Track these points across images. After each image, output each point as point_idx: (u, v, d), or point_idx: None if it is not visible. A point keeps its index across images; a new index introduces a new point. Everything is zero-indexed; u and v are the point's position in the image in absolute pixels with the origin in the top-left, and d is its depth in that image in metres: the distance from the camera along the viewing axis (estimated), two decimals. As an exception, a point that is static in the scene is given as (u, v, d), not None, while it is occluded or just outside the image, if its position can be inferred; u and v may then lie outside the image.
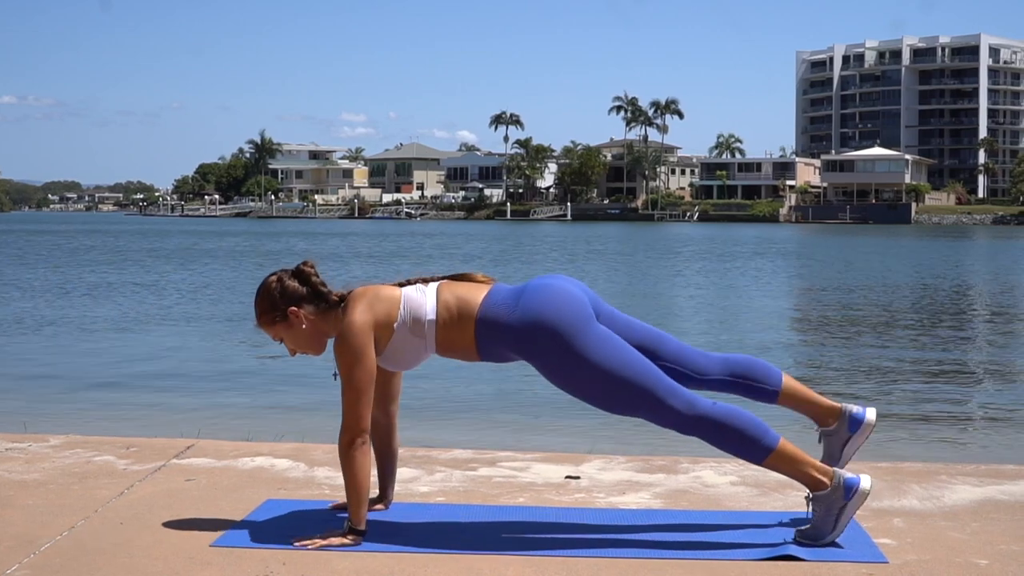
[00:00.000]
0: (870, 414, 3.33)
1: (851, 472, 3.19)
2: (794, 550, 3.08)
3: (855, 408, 3.34)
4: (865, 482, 3.14)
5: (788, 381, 3.34)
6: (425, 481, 3.92)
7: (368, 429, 3.16)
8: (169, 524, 3.31)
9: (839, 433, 3.33)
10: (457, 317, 3.17)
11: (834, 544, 3.12)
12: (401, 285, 3.26)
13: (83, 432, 5.29)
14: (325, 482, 3.91)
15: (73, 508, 3.48)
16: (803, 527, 3.18)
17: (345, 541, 3.10)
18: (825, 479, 3.14)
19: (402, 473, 3.98)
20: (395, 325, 3.18)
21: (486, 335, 3.16)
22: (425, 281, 3.27)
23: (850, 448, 3.33)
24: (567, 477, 4.00)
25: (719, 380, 3.31)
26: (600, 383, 3.12)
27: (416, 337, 3.19)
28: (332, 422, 7.55)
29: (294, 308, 3.25)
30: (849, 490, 3.12)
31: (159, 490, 3.74)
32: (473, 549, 3.09)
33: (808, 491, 3.18)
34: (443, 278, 3.29)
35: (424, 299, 3.20)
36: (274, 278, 3.30)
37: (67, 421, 7.06)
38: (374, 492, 3.55)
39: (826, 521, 3.13)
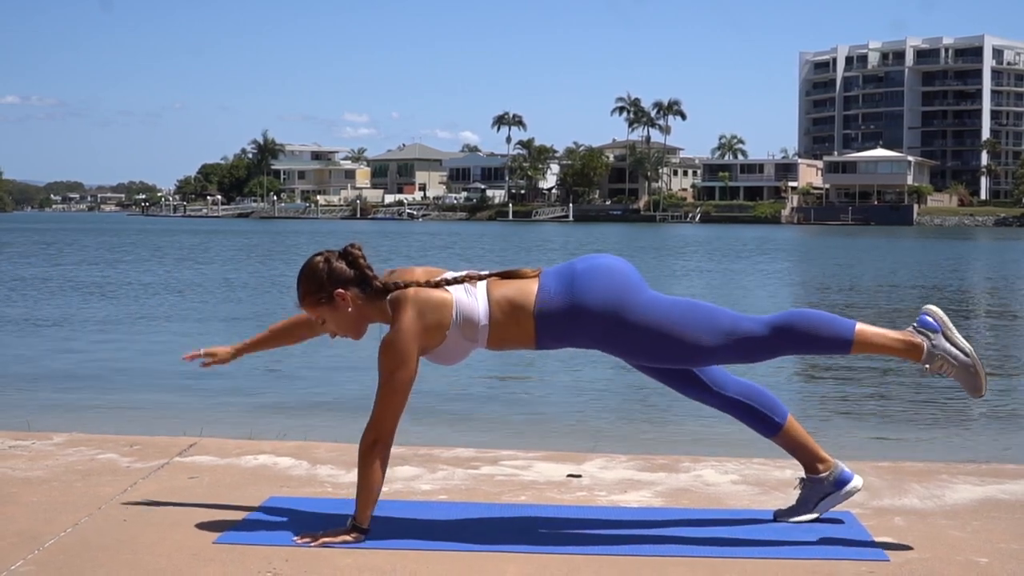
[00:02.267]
0: (855, 483, 3.40)
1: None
2: (794, 548, 3.10)
3: (839, 467, 3.41)
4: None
5: (792, 422, 3.41)
6: (427, 479, 3.93)
7: (393, 433, 3.17)
8: (172, 521, 3.32)
9: (822, 483, 3.39)
10: (512, 316, 3.16)
11: (836, 540, 3.15)
12: (448, 283, 3.20)
13: (86, 430, 5.30)
14: (328, 480, 3.92)
15: (77, 505, 3.50)
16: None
17: (347, 538, 3.11)
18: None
19: (404, 471, 4.00)
20: (447, 332, 3.16)
21: (546, 327, 3.16)
22: (472, 280, 3.22)
23: (827, 503, 3.40)
24: (569, 476, 4.01)
25: (733, 398, 3.38)
26: (675, 339, 3.14)
27: (468, 340, 3.18)
28: (334, 420, 7.55)
29: (341, 290, 3.22)
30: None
31: (162, 487, 3.75)
32: (474, 547, 3.10)
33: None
34: (490, 275, 3.25)
35: (475, 302, 3.17)
36: (321, 258, 3.26)
37: (70, 419, 7.06)
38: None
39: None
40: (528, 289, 3.18)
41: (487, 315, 3.16)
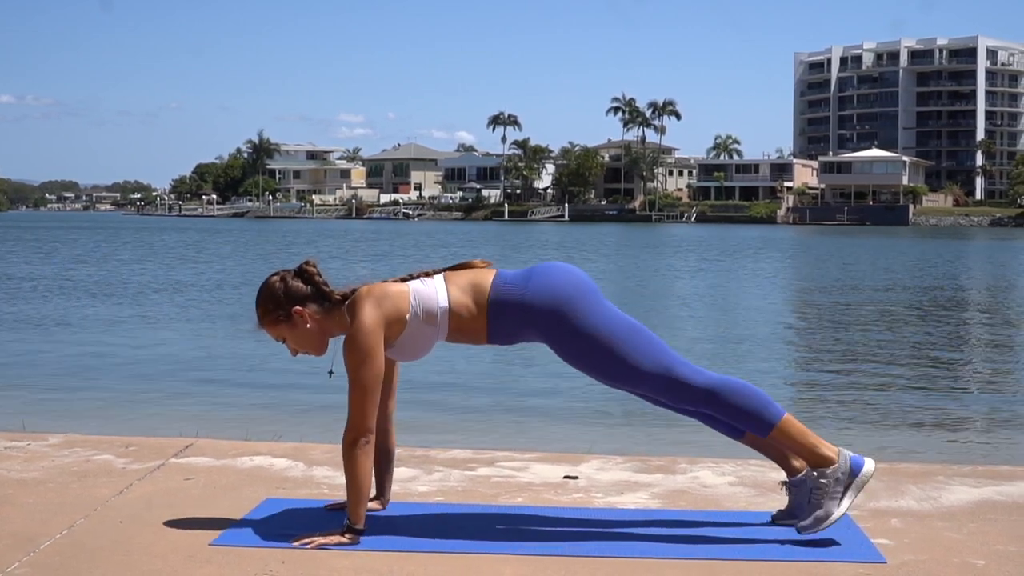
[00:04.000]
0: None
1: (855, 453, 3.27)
2: (792, 550, 3.10)
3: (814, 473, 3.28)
4: (870, 465, 3.20)
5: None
6: (424, 480, 3.93)
7: (373, 429, 3.18)
8: (168, 523, 3.32)
9: (800, 490, 3.29)
10: (470, 302, 3.21)
11: (833, 542, 3.15)
12: (403, 280, 3.28)
13: (82, 431, 5.30)
14: (324, 481, 3.92)
15: (72, 507, 3.49)
16: (803, 520, 3.18)
17: (343, 540, 3.11)
18: (832, 454, 3.21)
19: (401, 472, 3.99)
20: (407, 317, 3.20)
21: (497, 316, 3.20)
22: (427, 274, 3.29)
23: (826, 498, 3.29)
24: (565, 477, 4.01)
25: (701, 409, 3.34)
26: (613, 355, 3.16)
27: (428, 326, 3.21)
28: (330, 422, 7.56)
29: (299, 308, 3.25)
30: (856, 470, 3.18)
31: (158, 489, 3.74)
32: (471, 548, 3.09)
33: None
34: (443, 270, 3.32)
35: (433, 290, 3.22)
36: (276, 278, 3.30)
37: (66, 420, 7.06)
38: (372, 491, 3.55)
39: (827, 507, 3.15)
40: (484, 278, 3.25)
41: (446, 299, 3.21)
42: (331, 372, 3.31)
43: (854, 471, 3.18)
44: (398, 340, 3.22)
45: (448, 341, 3.30)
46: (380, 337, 3.16)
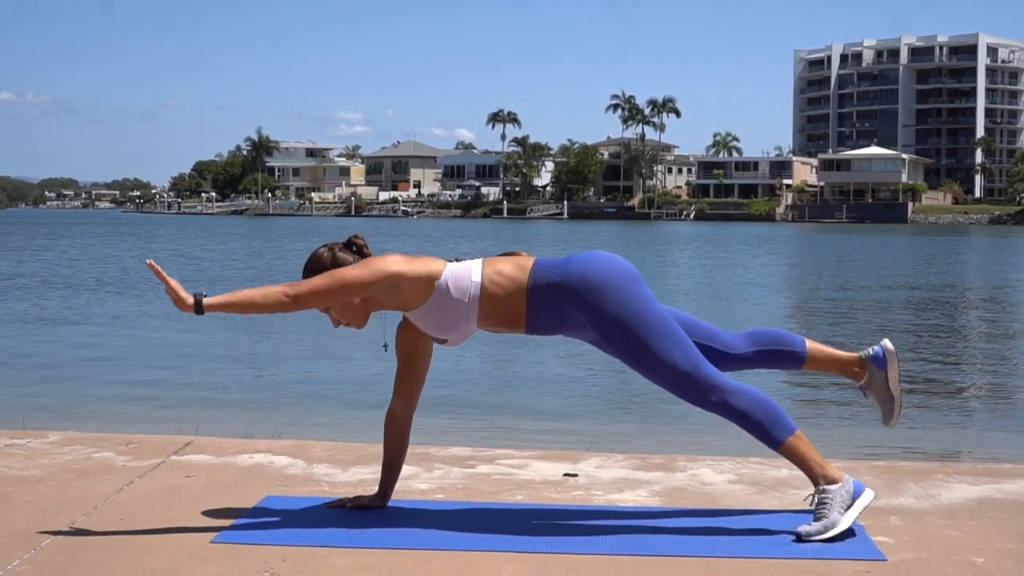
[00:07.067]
0: (886, 344, 3.43)
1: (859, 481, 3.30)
2: (791, 548, 3.10)
3: (871, 349, 3.44)
4: (870, 493, 3.25)
5: (811, 344, 3.47)
6: (424, 478, 3.94)
7: (297, 301, 3.18)
8: (169, 520, 3.32)
9: (874, 377, 3.42)
10: (507, 282, 3.23)
11: (835, 541, 3.14)
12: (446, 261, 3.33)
13: (82, 429, 5.30)
14: (324, 479, 3.92)
15: (73, 504, 3.50)
16: (807, 524, 3.19)
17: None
18: (837, 475, 3.23)
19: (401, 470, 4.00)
20: (436, 284, 3.21)
21: (537, 300, 3.21)
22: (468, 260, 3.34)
23: (892, 383, 3.41)
24: (565, 475, 4.01)
25: (752, 353, 3.43)
26: (649, 344, 3.19)
27: (459, 301, 3.22)
28: (330, 419, 7.54)
29: None
30: (857, 493, 3.22)
31: (158, 486, 3.75)
32: (471, 546, 3.10)
33: (813, 487, 3.24)
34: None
35: (467, 268, 3.26)
36: (325, 248, 3.36)
37: (66, 417, 7.06)
38: (373, 488, 3.56)
39: (833, 516, 3.17)
40: (524, 263, 3.28)
41: (480, 276, 3.24)
42: (385, 346, 3.38)
43: (855, 494, 3.22)
44: (423, 306, 3.23)
45: (487, 328, 3.30)
46: (392, 274, 3.18)
